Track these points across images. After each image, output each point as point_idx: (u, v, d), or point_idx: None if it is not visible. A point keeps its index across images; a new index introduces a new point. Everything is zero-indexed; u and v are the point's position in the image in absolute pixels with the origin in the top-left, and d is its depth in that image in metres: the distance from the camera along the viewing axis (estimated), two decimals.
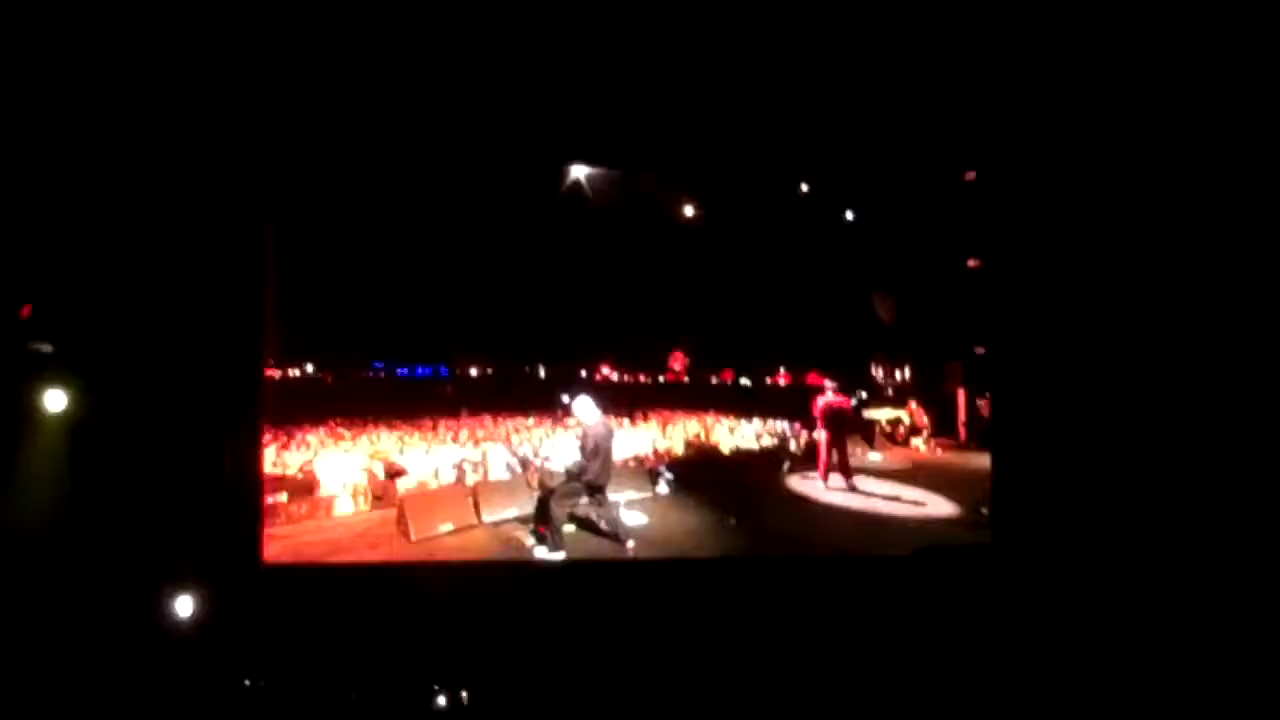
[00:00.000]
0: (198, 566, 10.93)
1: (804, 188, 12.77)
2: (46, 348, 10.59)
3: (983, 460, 12.41)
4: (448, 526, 12.30)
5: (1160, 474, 11.21)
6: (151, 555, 10.80)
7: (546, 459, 12.89)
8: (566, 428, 12.57)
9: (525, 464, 13.02)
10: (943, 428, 13.73)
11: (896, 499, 12.90)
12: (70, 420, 10.68)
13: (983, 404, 12.88)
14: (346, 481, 12.52)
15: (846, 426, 13.40)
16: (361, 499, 12.52)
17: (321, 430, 12.89)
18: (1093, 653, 10.85)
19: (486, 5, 10.91)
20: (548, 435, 13.11)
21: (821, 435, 13.18)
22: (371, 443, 12.98)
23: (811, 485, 13.24)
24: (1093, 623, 11.04)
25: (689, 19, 11.06)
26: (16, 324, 10.53)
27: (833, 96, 11.57)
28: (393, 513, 12.39)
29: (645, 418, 13.80)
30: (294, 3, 10.67)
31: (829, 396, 13.16)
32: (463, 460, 12.91)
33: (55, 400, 10.60)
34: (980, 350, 12.75)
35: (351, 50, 11.02)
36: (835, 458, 13.19)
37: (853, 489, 13.03)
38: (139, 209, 10.83)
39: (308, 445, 12.67)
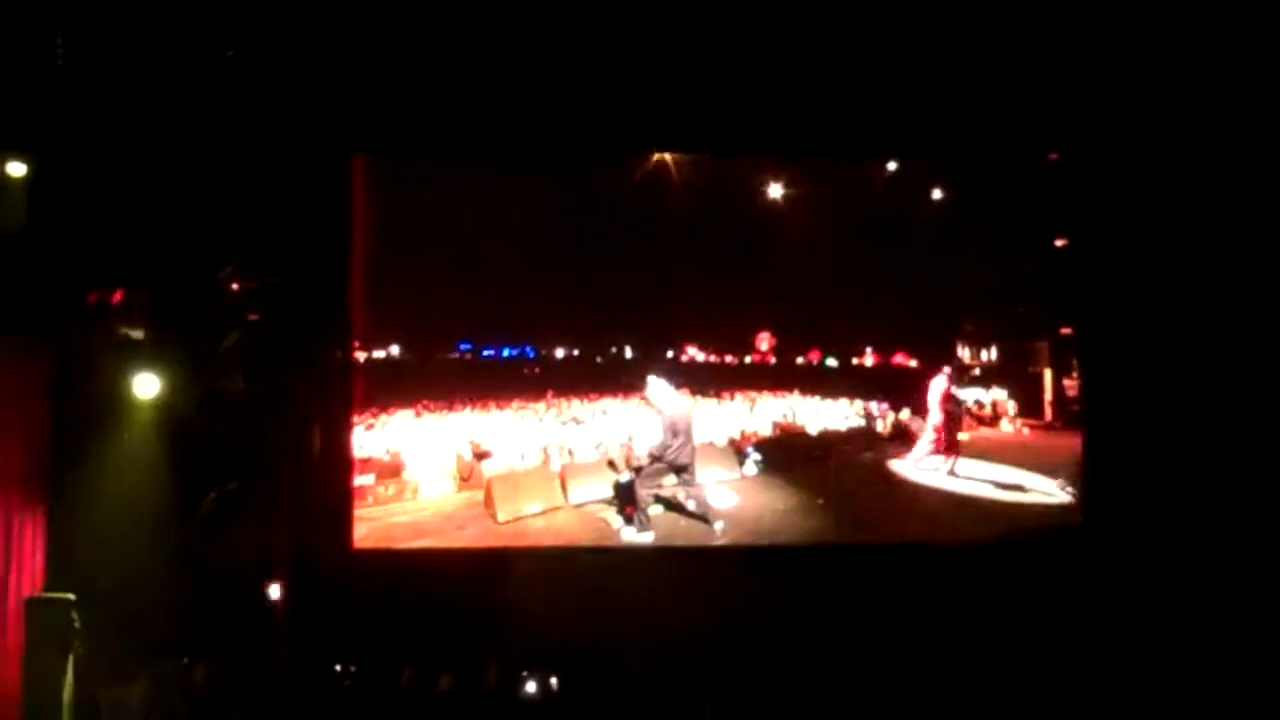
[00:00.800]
0: (289, 551, 11.01)
1: (891, 166, 12.60)
2: (138, 333, 10.65)
3: (1070, 440, 12.40)
4: (535, 508, 12.28)
5: (1257, 454, 11.06)
6: (243, 540, 10.90)
7: (630, 440, 12.79)
8: (651, 407, 12.44)
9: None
10: (1029, 408, 13.49)
11: (992, 481, 12.70)
12: (162, 405, 10.76)
13: (1069, 384, 12.73)
14: (433, 463, 12.46)
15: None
16: (448, 480, 12.45)
17: (408, 412, 12.83)
18: (1190, 641, 10.69)
19: None
20: (634, 416, 12.99)
21: (937, 420, 12.95)
22: (458, 424, 12.91)
23: (904, 465, 13.03)
24: (1190, 608, 10.89)
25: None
26: (108, 310, 10.59)
27: (921, 73, 11.42)
28: (479, 494, 12.37)
29: (732, 398, 13.68)
30: None
31: (944, 382, 12.94)
32: (549, 442, 12.83)
33: (147, 385, 10.67)
34: (1066, 330, 12.56)
35: (439, 30, 10.99)
36: (944, 442, 12.94)
37: (953, 472, 12.82)
38: (228, 193, 10.89)
39: (394, 427, 12.62)
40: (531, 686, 10.86)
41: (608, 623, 11.00)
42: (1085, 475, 11.93)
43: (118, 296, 10.55)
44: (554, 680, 10.91)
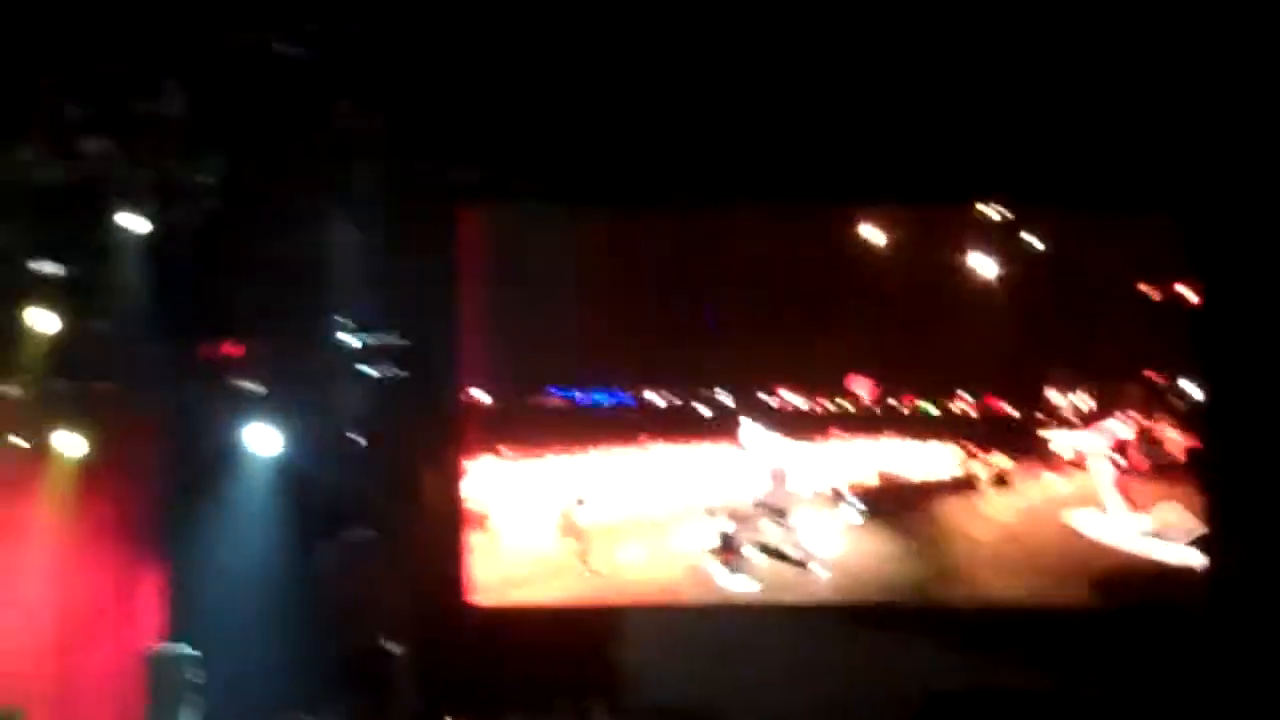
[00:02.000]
0: (407, 605, 11.00)
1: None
2: (257, 387, 10.67)
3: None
4: (632, 555, 12.23)
5: None
6: (361, 594, 10.91)
7: (727, 486, 12.69)
8: (748, 452, 12.41)
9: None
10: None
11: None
12: (280, 458, 10.77)
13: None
14: (526, 510, 12.40)
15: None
16: (542, 528, 12.38)
17: (498, 458, 12.75)
18: None
19: None
20: (731, 461, 12.89)
21: (1111, 473, 12.71)
22: (551, 470, 12.83)
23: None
24: None
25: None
26: (225, 363, 10.62)
27: (1024, 117, 11.38)
28: (574, 542, 12.31)
29: (828, 442, 13.58)
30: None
31: (1120, 428, 12.77)
32: (644, 488, 12.74)
33: (264, 438, 10.67)
34: (1151, 375, 12.55)
35: (529, 81, 11.01)
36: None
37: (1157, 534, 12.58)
38: (340, 246, 10.92)
39: (484, 474, 12.54)
40: None
41: (719, 678, 10.99)
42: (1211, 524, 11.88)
43: (235, 350, 10.58)
44: None
